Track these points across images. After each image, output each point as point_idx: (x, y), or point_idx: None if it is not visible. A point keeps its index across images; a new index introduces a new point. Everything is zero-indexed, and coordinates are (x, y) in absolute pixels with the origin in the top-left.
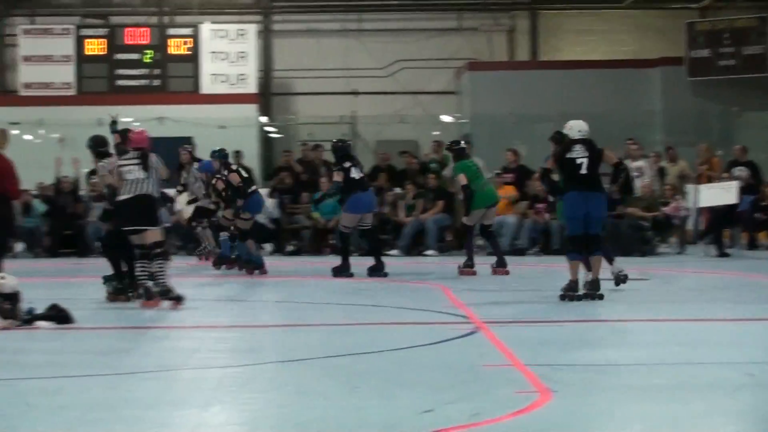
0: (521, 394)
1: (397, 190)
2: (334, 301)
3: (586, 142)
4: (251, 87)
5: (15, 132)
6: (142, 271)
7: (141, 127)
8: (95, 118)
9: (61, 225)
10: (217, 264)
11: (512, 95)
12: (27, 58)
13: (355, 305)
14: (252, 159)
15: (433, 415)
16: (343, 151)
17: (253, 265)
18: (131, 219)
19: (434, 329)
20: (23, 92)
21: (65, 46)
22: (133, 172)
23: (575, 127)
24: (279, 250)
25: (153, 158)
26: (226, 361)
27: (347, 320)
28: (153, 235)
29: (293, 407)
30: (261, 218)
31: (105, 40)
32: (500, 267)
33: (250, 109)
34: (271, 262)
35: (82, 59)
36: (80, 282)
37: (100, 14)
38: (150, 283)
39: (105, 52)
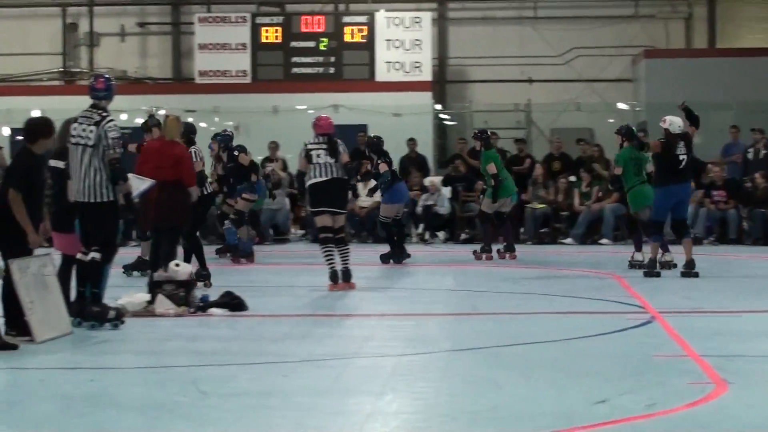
0: (696, 385)
1: (572, 178)
2: (506, 290)
3: (685, 137)
4: (426, 75)
5: (191, 119)
6: (328, 254)
7: (324, 114)
8: (270, 105)
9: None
10: (221, 252)
11: (689, 83)
12: (203, 46)
13: (527, 294)
14: (426, 147)
15: (607, 405)
16: (377, 146)
17: (241, 253)
18: (325, 201)
19: (608, 319)
20: (199, 80)
21: (241, 34)
22: (322, 156)
23: (675, 123)
24: (453, 238)
25: (339, 144)
26: (399, 350)
27: (519, 309)
28: (342, 219)
29: (465, 396)
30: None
31: (280, 28)
32: (508, 251)
33: (425, 97)
34: (444, 250)
35: (258, 47)
36: (254, 269)
37: (275, 2)
38: (338, 267)
39: (280, 40)
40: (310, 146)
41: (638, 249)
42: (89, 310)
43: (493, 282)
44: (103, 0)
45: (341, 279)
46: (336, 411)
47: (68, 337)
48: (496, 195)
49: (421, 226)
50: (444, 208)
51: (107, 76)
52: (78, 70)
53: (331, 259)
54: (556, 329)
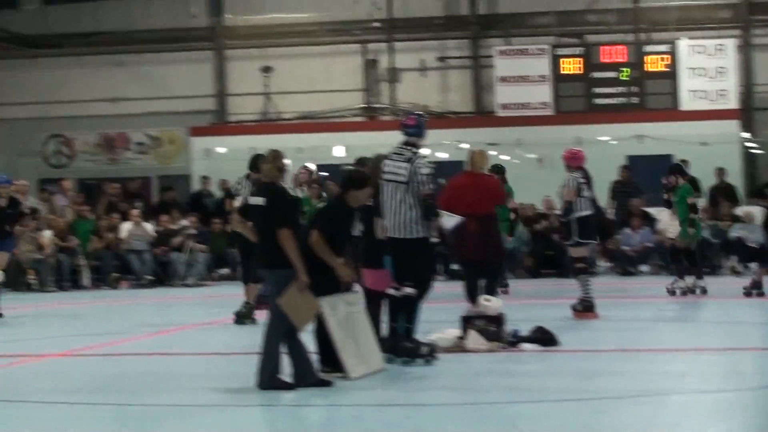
0: None
1: None
2: None
3: None
4: (731, 102)
5: (493, 153)
6: (587, 283)
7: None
8: (573, 137)
9: (543, 246)
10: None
11: None
12: (503, 79)
13: None
14: (735, 176)
15: None
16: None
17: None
18: (593, 234)
19: None
20: (501, 113)
21: (541, 66)
22: (584, 189)
23: None
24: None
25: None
26: (717, 385)
27: None
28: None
29: None
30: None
31: (581, 59)
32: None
33: (731, 125)
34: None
35: (559, 78)
36: (561, 303)
37: (575, 33)
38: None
39: (581, 71)
40: (579, 180)
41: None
42: (402, 345)
43: None
44: (403, 36)
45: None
46: None
47: (381, 373)
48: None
49: (733, 258)
50: (756, 238)
51: (419, 113)
52: (379, 105)
53: (590, 288)
54: None
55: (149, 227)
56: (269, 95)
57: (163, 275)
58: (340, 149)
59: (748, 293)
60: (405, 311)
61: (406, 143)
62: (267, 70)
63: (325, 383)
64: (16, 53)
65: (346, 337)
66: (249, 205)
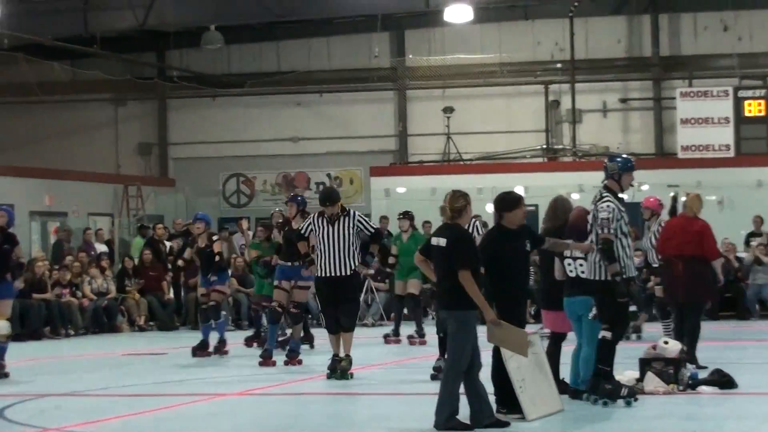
0: None
1: None
2: None
3: None
4: None
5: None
6: None
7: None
8: (754, 179)
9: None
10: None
11: None
12: (685, 121)
13: None
14: None
15: None
16: None
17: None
18: None
19: None
20: (681, 155)
21: (724, 108)
22: None
23: None
24: None
25: None
26: None
27: None
28: None
29: None
30: None
31: (764, 101)
32: None
33: None
34: None
35: (741, 120)
36: (741, 345)
37: (758, 75)
38: None
39: (764, 113)
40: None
41: None
42: (602, 387)
43: None
44: (584, 77)
45: None
46: None
47: (559, 415)
48: None
49: None
50: None
51: (624, 156)
52: (560, 147)
53: None
54: None
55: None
56: (450, 135)
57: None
58: (519, 190)
59: None
60: (601, 353)
61: (604, 184)
62: (448, 110)
63: (503, 424)
64: (198, 92)
65: (524, 378)
66: (431, 245)
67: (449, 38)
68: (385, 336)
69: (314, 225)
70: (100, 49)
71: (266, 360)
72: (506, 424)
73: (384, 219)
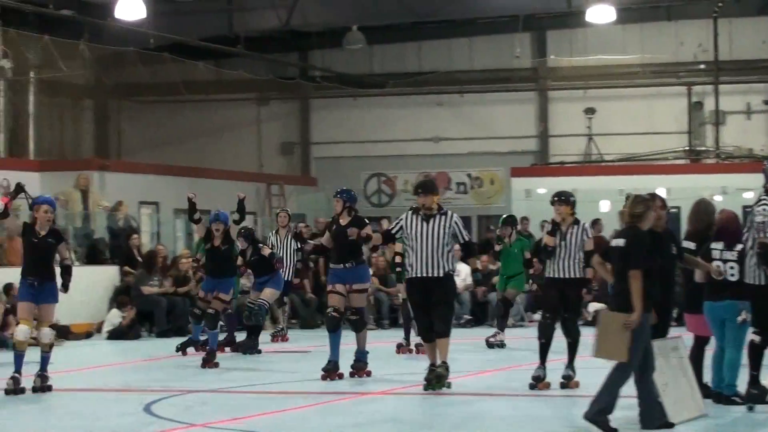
0: None
1: None
2: None
3: None
4: None
5: None
6: None
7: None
8: None
9: None
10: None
11: None
12: None
13: None
14: None
15: None
16: None
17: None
18: None
19: None
20: None
21: None
22: None
23: None
24: None
25: None
26: None
27: None
28: None
29: None
30: None
31: None
32: None
33: None
34: None
35: None
36: None
37: None
38: None
39: None
40: None
41: None
42: (748, 391)
43: None
44: (728, 78)
45: None
46: None
47: (702, 419)
48: None
49: None
50: None
51: None
52: (703, 148)
53: None
54: None
55: (465, 268)
56: (591, 137)
57: (481, 315)
58: (661, 191)
59: None
60: (750, 358)
61: (765, 188)
62: (590, 111)
63: (670, 425)
64: (340, 92)
65: (668, 381)
66: (610, 246)
67: (591, 39)
68: (487, 339)
69: (405, 222)
70: (244, 49)
71: (331, 373)
72: (671, 425)
73: (525, 220)
